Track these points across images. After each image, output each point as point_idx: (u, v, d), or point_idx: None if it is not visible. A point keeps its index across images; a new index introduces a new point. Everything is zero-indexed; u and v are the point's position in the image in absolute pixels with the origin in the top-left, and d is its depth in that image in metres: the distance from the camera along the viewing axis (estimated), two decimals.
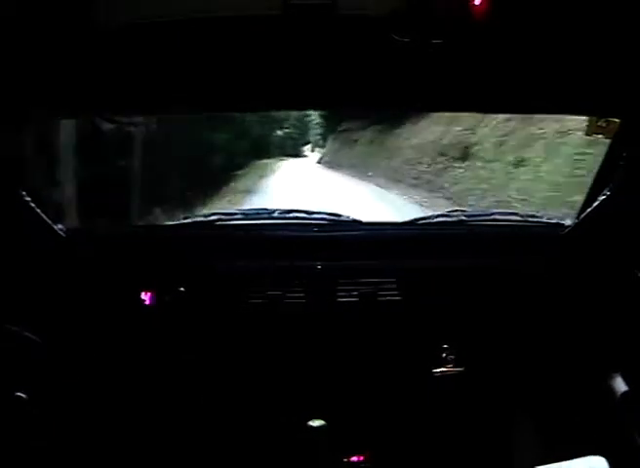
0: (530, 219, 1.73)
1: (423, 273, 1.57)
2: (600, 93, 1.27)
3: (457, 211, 1.79)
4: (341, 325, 1.54)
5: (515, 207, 5.16)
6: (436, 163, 8.47)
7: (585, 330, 1.49)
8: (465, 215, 1.74)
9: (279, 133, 14.88)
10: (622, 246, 1.43)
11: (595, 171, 1.52)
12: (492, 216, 1.75)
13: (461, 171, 7.52)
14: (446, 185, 7.67)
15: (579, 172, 4.67)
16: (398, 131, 10.71)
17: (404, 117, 10.05)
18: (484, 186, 6.62)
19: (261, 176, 11.52)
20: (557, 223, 1.69)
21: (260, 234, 1.68)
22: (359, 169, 11.61)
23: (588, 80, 1.22)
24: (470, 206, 6.09)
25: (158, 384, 1.53)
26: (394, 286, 1.55)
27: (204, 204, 7.60)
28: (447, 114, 7.60)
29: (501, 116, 6.54)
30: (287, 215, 1.71)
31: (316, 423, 1.38)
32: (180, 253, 1.57)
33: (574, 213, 1.63)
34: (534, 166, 5.87)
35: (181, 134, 8.38)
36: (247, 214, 1.73)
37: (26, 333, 1.25)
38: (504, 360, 1.56)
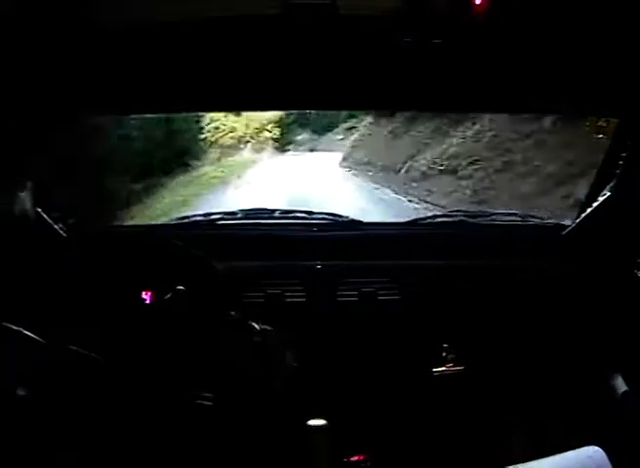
0: (530, 219, 1.73)
1: (423, 273, 1.57)
2: (600, 93, 1.27)
3: (457, 211, 1.80)
4: (341, 324, 1.54)
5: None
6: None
7: (586, 329, 1.49)
8: (465, 215, 1.74)
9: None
10: (622, 246, 1.43)
11: (595, 171, 1.52)
12: (492, 216, 1.76)
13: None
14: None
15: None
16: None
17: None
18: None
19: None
20: (557, 223, 1.69)
21: (260, 234, 1.68)
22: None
23: (588, 80, 1.22)
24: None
25: (159, 383, 1.53)
26: (394, 286, 1.55)
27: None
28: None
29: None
30: (287, 215, 1.71)
31: (317, 423, 1.38)
32: (180, 252, 1.57)
33: (574, 213, 1.63)
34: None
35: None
36: (247, 214, 1.73)
37: (26, 333, 1.25)
38: (505, 359, 1.56)
